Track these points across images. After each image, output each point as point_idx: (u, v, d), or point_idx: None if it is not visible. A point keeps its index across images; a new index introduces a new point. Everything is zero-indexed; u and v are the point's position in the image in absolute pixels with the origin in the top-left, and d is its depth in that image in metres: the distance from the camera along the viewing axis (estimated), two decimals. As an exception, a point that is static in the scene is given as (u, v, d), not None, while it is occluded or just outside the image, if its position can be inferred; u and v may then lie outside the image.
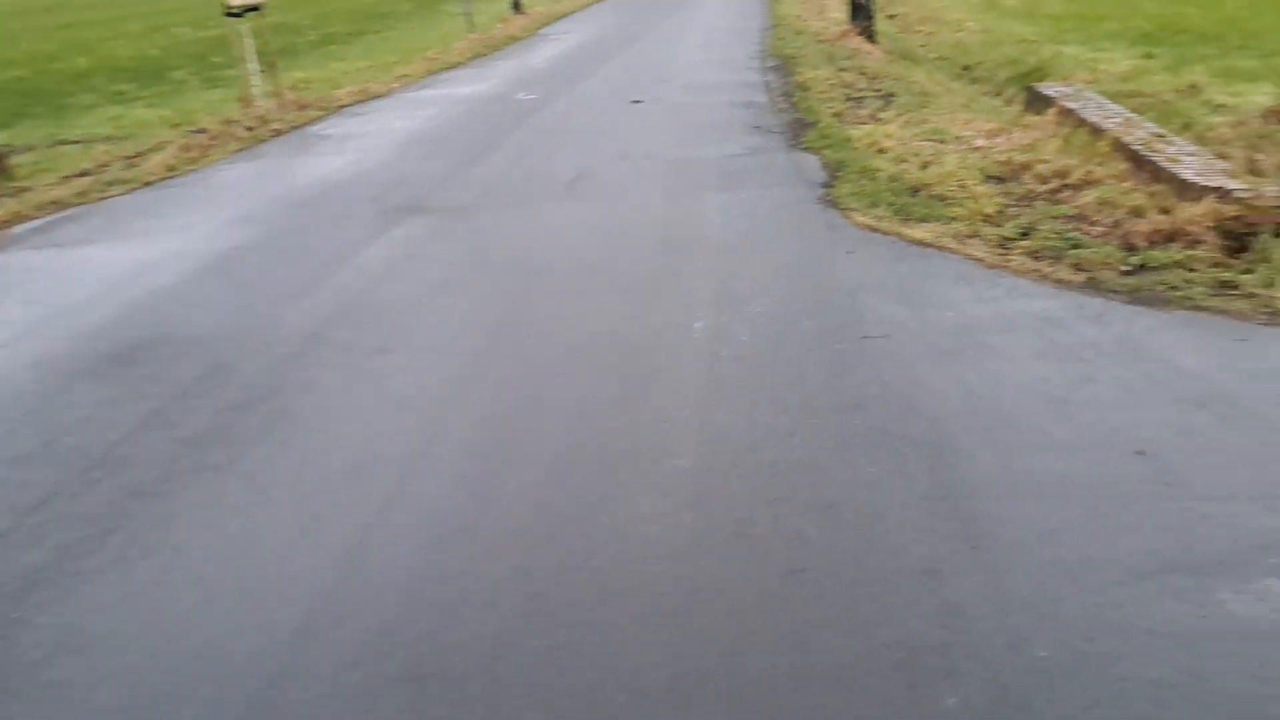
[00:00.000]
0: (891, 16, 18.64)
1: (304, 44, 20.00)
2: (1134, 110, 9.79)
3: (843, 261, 5.67)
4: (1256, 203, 5.22)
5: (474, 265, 6.09)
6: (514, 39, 16.92)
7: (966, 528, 3.14)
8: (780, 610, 2.80)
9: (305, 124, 10.95)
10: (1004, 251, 5.66)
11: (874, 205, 6.57)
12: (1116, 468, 3.46)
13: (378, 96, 12.41)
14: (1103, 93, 10.16)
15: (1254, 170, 8.35)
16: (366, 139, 9.95)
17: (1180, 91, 10.18)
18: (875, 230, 6.14)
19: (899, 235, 6.02)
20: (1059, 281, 5.18)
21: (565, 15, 20.87)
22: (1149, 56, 11.99)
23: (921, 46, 15.90)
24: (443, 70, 14.36)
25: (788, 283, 5.38)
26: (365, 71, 14.64)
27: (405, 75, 13.82)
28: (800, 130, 8.82)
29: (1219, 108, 9.58)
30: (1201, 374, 4.08)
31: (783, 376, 4.26)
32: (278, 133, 10.59)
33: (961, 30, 16.55)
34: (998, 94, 11.97)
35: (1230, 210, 5.27)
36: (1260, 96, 9.58)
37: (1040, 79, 11.23)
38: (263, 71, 11.93)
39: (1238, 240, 5.22)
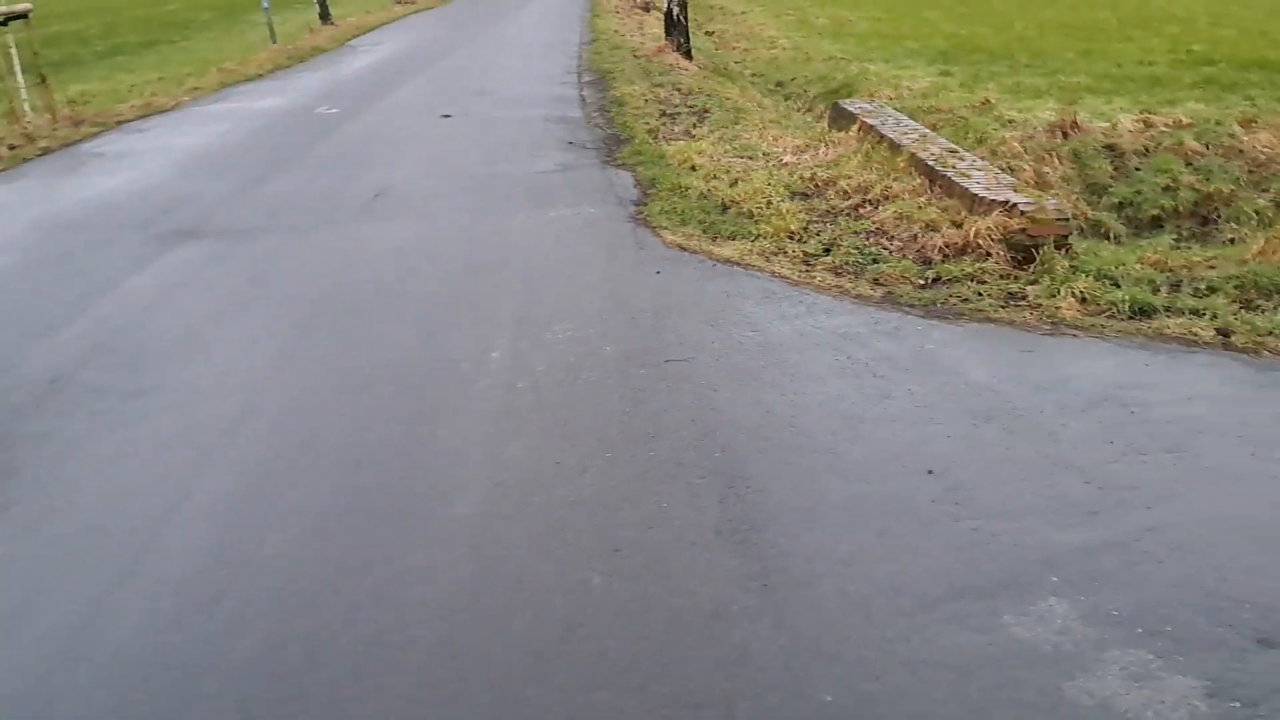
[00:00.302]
0: (709, 33, 18.97)
1: (90, 55, 18.49)
2: (933, 125, 10.19)
3: (651, 282, 5.52)
4: (1039, 216, 5.41)
5: (254, 294, 5.59)
6: (320, 50, 16.17)
7: (757, 564, 2.99)
8: (555, 674, 2.55)
9: (78, 141, 9.99)
10: (808, 268, 5.66)
11: (684, 223, 6.47)
12: (908, 488, 3.41)
13: (163, 111, 11.50)
14: (904, 109, 10.56)
15: (1041, 182, 8.80)
16: (145, 157, 9.15)
17: (975, 107, 10.67)
18: (684, 249, 6.04)
19: (708, 254, 5.93)
20: (859, 297, 5.19)
21: (378, 26, 20.17)
22: (947, 74, 12.58)
23: (737, 63, 16.20)
24: (240, 83, 13.50)
25: (593, 305, 5.18)
26: (155, 84, 13.60)
27: (197, 88, 12.90)
28: (614, 146, 8.69)
29: (1009, 123, 10.08)
30: (990, 386, 4.13)
31: (579, 407, 4.03)
32: (46, 151, 9.61)
33: (775, 48, 16.98)
34: (809, 110, 12.26)
35: (1016, 223, 5.44)
36: (1045, 112, 10.15)
37: (848, 95, 11.58)
38: (35, 85, 10.84)
39: (1024, 252, 5.39)
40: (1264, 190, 8.70)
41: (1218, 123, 9.26)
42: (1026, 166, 9.13)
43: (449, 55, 15.81)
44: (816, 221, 6.39)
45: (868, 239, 5.97)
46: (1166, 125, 9.32)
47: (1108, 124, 9.57)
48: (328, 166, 8.51)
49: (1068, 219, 5.48)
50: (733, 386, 4.18)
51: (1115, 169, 9.14)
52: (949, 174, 6.29)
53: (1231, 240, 6.77)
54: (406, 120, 10.34)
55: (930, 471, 3.50)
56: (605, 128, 9.45)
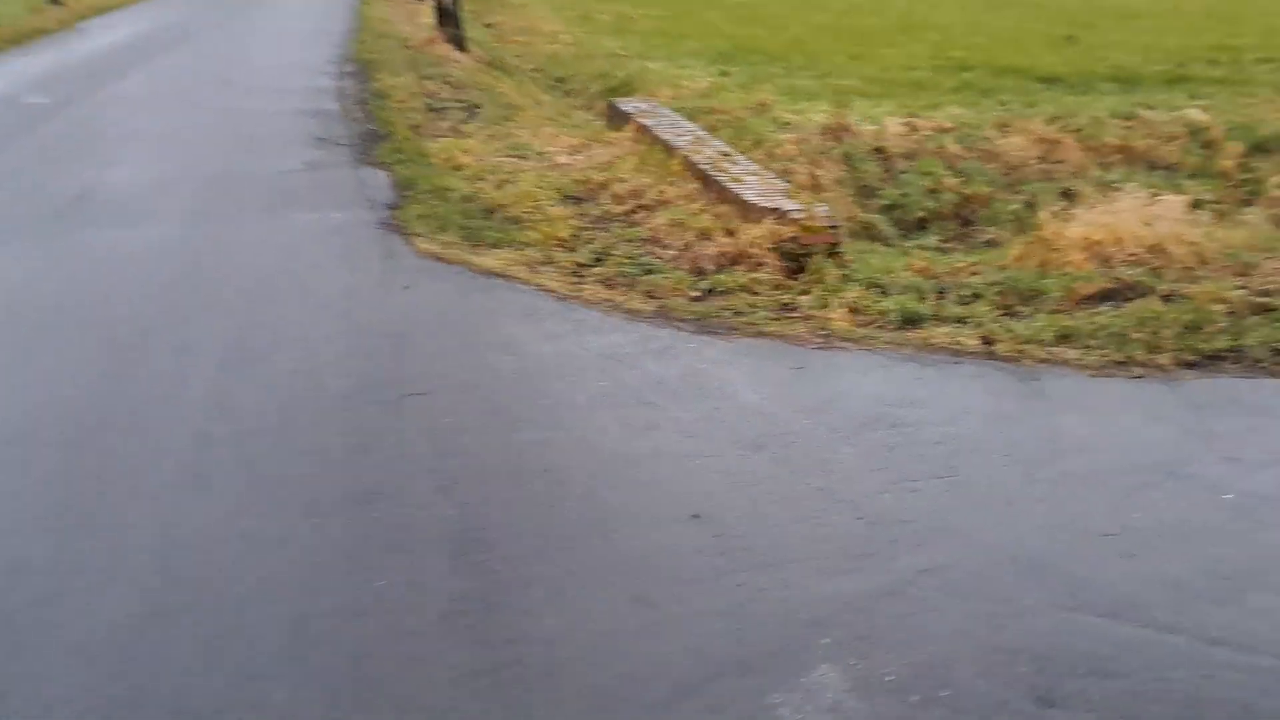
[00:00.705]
0: (488, 25, 18.28)
1: None
2: (712, 126, 10.02)
3: (397, 299, 4.89)
4: (810, 223, 5.19)
5: (-104, 323, 4.53)
6: (43, 32, 14.25)
7: (488, 655, 2.47)
8: None
9: None
10: (577, 280, 5.19)
11: (443, 230, 5.86)
12: (672, 539, 3.00)
13: None
14: (683, 109, 10.36)
15: (816, 185, 8.78)
16: None
17: (752, 109, 10.60)
18: (441, 259, 5.43)
19: (467, 264, 5.36)
20: (631, 311, 4.78)
21: (117, 8, 18.12)
22: (725, 74, 12.53)
23: (516, 57, 15.62)
24: (-64, 66, 11.61)
25: (324, 329, 4.49)
26: None
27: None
28: (371, 143, 7.92)
29: (785, 125, 10.03)
30: (761, 409, 3.80)
31: (289, 459, 3.37)
32: None
33: (556, 42, 16.52)
34: (589, 107, 11.87)
35: (787, 231, 5.19)
36: (818, 115, 10.16)
37: (628, 93, 11.27)
38: None
39: (795, 261, 5.15)
40: (1017, 192, 9.04)
41: (975, 127, 9.57)
42: (801, 169, 9.09)
43: (193, 40, 14.32)
44: (589, 228, 5.95)
45: (641, 247, 5.58)
46: (930, 129, 9.55)
47: (876, 127, 9.70)
48: (25, 164, 7.27)
49: (837, 226, 5.30)
50: (481, 425, 3.65)
51: (884, 171, 9.26)
52: (723, 179, 6.01)
53: (991, 243, 6.89)
54: (133, 111, 9.09)
55: (696, 516, 3.11)
56: (363, 122, 8.65)
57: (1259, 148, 9.34)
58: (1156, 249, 5.19)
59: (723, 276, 5.09)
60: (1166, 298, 4.73)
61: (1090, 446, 3.58)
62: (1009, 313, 4.78)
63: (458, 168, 7.11)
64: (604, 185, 6.59)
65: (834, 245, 5.19)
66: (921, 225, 8.64)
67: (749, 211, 5.54)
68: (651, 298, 4.95)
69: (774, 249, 5.19)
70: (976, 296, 4.90)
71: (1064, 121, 9.64)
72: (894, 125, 10.11)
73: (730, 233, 5.46)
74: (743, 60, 14.12)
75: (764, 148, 9.49)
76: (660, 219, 5.84)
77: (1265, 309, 4.61)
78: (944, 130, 9.97)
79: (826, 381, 4.12)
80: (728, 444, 3.56)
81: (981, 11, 17.05)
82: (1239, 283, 4.89)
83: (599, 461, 3.43)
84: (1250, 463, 3.46)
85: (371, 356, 4.21)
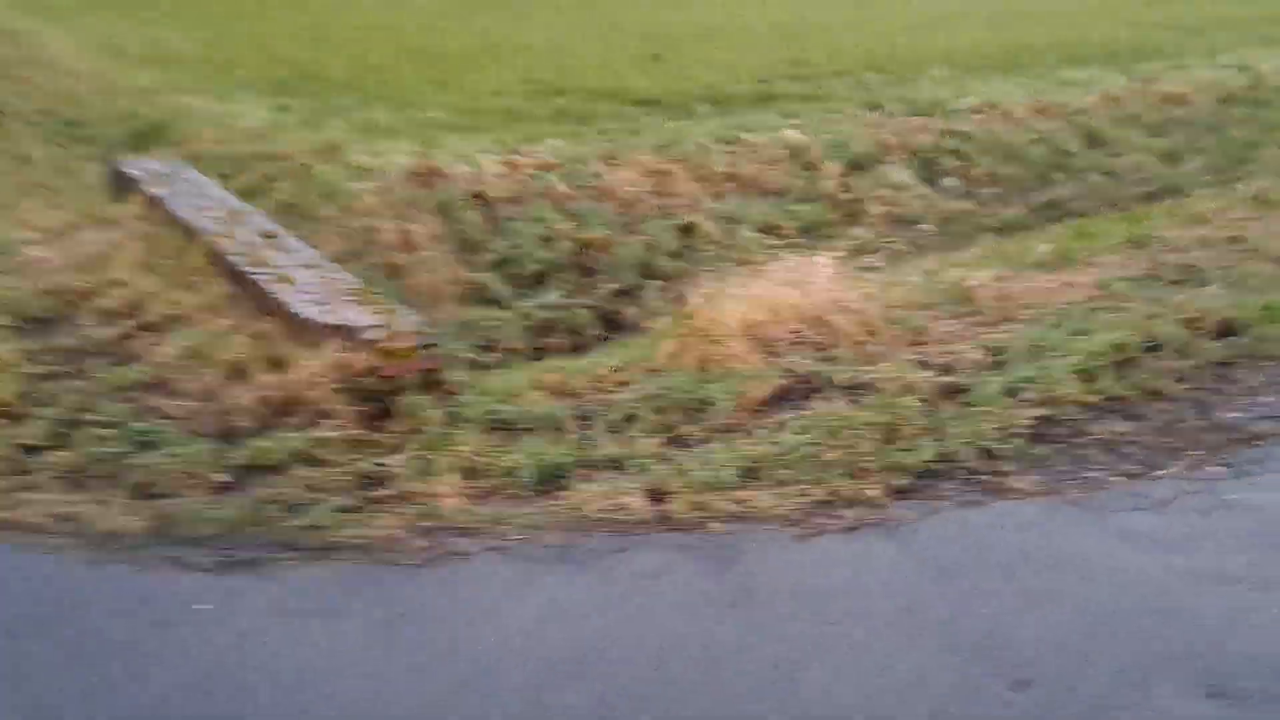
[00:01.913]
0: (-28, 57, 14.51)
1: None
2: (270, 178, 8.07)
3: None
4: (393, 346, 3.62)
5: None
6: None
7: None
8: None
9: None
10: (20, 479, 3.20)
11: None
12: None
13: None
14: (229, 156, 8.29)
15: (409, 245, 7.19)
16: None
17: (320, 152, 8.71)
18: None
19: None
20: (105, 537, 2.91)
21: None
22: (285, 109, 10.49)
23: (16, 95, 12.31)
24: None
25: None
26: None
27: None
28: None
29: (363, 171, 8.25)
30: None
31: None
32: None
33: (74, 76, 13.32)
34: (106, 159, 9.29)
35: (361, 361, 3.58)
36: (401, 156, 8.51)
37: (158, 140, 8.93)
38: None
39: (380, 401, 3.57)
40: (635, 232, 8.08)
41: (581, 161, 8.51)
42: (388, 227, 7.42)
43: None
44: (52, 376, 3.90)
45: (136, 403, 3.68)
46: (532, 166, 8.34)
47: (472, 168, 8.28)
48: None
49: (434, 343, 3.78)
50: None
51: (488, 221, 7.87)
52: (264, 279, 4.25)
53: (639, 326, 5.75)
54: None
55: None
56: None
57: (854, 165, 9.24)
58: (819, 322, 4.29)
59: (266, 442, 3.38)
60: (850, 392, 3.79)
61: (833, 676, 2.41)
62: (675, 439, 3.58)
63: None
64: (87, 295, 4.52)
65: (433, 371, 3.67)
66: (539, 280, 7.37)
67: (304, 330, 3.85)
68: (148, 499, 3.12)
69: (343, 389, 3.56)
70: (630, 419, 3.65)
71: (671, 150, 8.89)
72: (492, 164, 8.74)
73: (278, 365, 3.74)
74: (306, 91, 12.13)
75: (337, 203, 7.70)
76: (170, 348, 3.96)
77: (955, 391, 3.83)
78: (548, 167, 8.80)
79: (439, 659, 2.59)
80: None
81: (564, 31, 16.43)
82: (917, 355, 4.10)
83: None
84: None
85: None
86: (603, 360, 4.10)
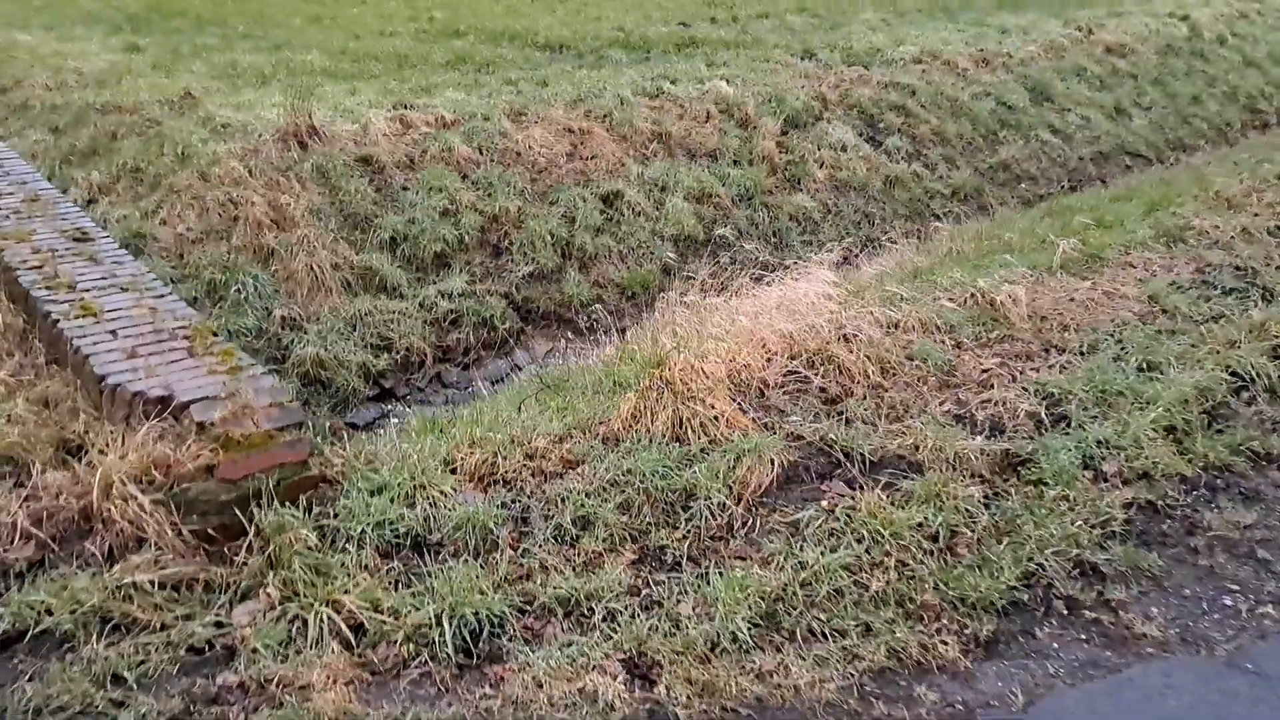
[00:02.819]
0: None
1: None
2: (113, 134, 6.86)
3: None
4: (238, 428, 2.56)
5: None
6: None
7: None
8: None
9: None
10: None
11: None
12: None
13: None
14: (68, 105, 6.99)
15: (283, 220, 6.05)
16: None
17: (173, 103, 7.35)
18: None
19: None
20: None
21: None
22: (135, 49, 8.99)
23: None
24: None
25: None
26: None
27: None
28: None
29: (224, 128, 6.95)
30: None
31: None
32: None
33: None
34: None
35: (193, 457, 2.52)
36: (272, 111, 7.21)
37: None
38: None
39: (218, 518, 2.52)
40: (552, 203, 7.05)
41: (485, 118, 7.39)
42: (257, 198, 6.24)
43: None
44: None
45: None
46: (429, 125, 7.19)
47: (357, 125, 7.06)
48: None
49: (302, 423, 2.71)
50: None
51: (378, 191, 6.74)
52: (58, 311, 3.11)
53: (595, 344, 4.75)
54: None
55: None
56: None
57: (792, 122, 8.35)
58: (821, 357, 3.38)
59: (36, 595, 2.31)
60: (880, 470, 2.88)
61: None
62: (649, 556, 2.64)
63: None
64: None
65: (299, 466, 2.62)
66: (441, 262, 6.32)
67: (115, 398, 2.75)
68: None
69: (166, 498, 2.50)
70: (586, 524, 2.68)
71: (588, 106, 7.83)
72: (381, 122, 7.56)
73: (71, 453, 2.65)
74: (161, 26, 10.59)
75: (193, 167, 6.50)
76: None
77: (1015, 462, 2.93)
78: (447, 125, 7.69)
79: None
80: None
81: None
82: (953, 406, 3.22)
83: None
84: None
85: None
86: (543, 422, 3.06)
